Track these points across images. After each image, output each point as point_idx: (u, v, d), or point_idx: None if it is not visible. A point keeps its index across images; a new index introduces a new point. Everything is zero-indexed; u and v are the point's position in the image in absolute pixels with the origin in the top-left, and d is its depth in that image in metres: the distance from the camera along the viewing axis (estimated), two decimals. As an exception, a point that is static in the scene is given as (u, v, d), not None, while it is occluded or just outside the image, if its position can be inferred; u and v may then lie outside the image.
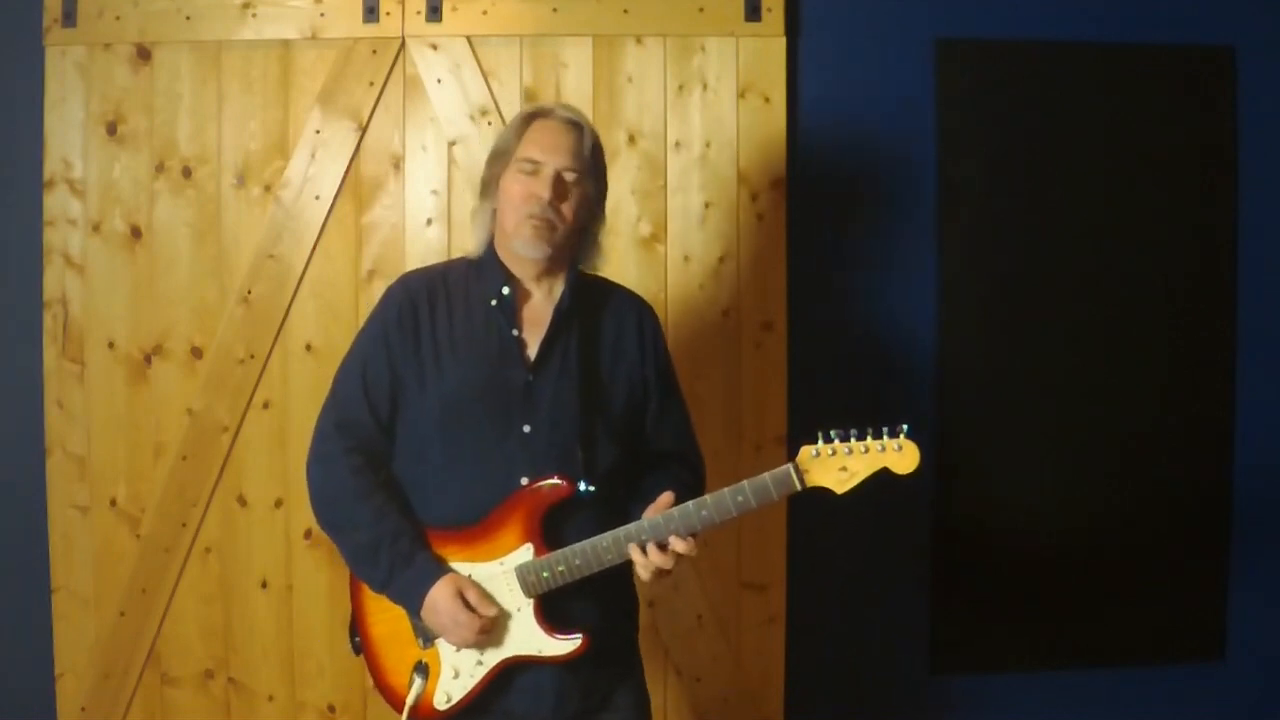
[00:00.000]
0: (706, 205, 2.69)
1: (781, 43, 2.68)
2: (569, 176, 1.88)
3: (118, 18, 2.62)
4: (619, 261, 2.64)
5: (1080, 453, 2.82)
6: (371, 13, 2.64)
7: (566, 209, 1.88)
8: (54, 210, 2.65)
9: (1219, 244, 2.85)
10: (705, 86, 2.68)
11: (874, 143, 2.76)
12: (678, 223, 2.69)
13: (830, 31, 2.73)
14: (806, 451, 1.79)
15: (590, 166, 1.91)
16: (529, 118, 1.92)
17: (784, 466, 1.78)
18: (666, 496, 1.81)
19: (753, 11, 2.66)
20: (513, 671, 1.85)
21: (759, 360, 2.71)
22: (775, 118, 2.69)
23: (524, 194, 1.87)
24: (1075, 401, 2.81)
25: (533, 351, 1.88)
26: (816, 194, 2.74)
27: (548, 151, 1.87)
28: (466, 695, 1.85)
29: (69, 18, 2.61)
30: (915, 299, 2.78)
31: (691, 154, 2.69)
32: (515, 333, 1.89)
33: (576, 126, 1.91)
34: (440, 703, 1.85)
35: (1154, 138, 2.81)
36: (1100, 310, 2.81)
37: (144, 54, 2.65)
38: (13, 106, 2.66)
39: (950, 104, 2.76)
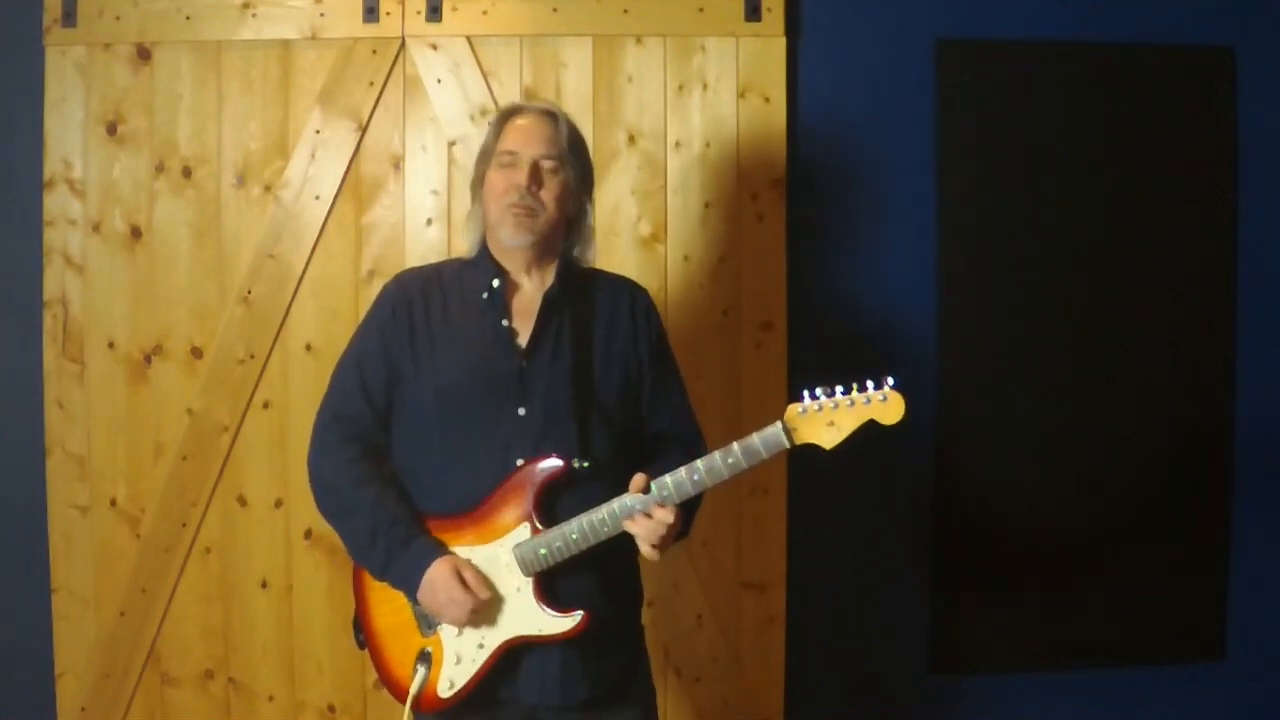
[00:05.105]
0: (706, 205, 2.69)
1: (781, 43, 2.68)
2: (547, 165, 1.93)
3: (118, 18, 2.62)
4: (619, 262, 2.64)
5: (1080, 453, 2.82)
6: (371, 13, 2.64)
7: (546, 196, 1.92)
8: (54, 210, 2.65)
9: (1219, 243, 2.84)
10: (705, 86, 2.68)
11: (874, 143, 2.76)
12: (678, 223, 2.69)
13: (830, 31, 2.73)
14: (794, 409, 1.80)
15: (569, 154, 1.95)
16: (506, 115, 1.98)
17: (773, 425, 1.79)
18: (639, 478, 1.82)
19: (753, 11, 2.66)
20: (518, 657, 1.86)
21: (759, 360, 2.71)
22: (775, 118, 2.68)
23: (504, 185, 1.92)
24: (1076, 401, 2.81)
25: (524, 340, 1.92)
26: (816, 194, 2.74)
27: (524, 142, 1.93)
28: (470, 681, 1.86)
29: (69, 18, 2.61)
30: (915, 298, 2.78)
31: (691, 154, 2.69)
32: (505, 323, 1.93)
33: (552, 117, 1.96)
34: (444, 690, 1.86)
35: (1154, 138, 2.81)
36: (1100, 310, 2.81)
37: (144, 54, 2.65)
38: (13, 106, 2.66)
39: (950, 104, 2.76)
